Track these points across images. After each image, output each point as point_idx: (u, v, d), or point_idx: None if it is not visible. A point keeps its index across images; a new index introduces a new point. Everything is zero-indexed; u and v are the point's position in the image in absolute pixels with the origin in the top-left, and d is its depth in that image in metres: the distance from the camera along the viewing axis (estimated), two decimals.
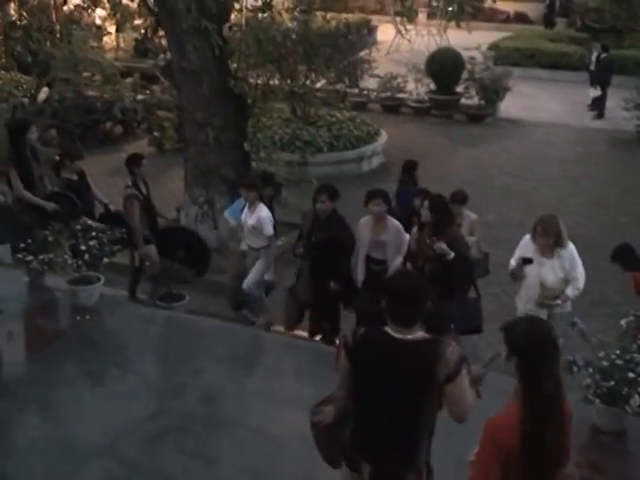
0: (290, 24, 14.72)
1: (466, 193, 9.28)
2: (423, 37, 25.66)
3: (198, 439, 6.35)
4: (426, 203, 7.73)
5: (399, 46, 24.91)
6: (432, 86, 19.81)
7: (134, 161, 8.93)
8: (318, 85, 15.59)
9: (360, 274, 8.34)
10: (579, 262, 7.56)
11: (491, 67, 20.34)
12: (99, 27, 22.23)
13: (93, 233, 7.95)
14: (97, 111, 17.17)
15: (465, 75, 19.42)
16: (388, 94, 19.74)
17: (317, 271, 8.46)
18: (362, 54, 16.35)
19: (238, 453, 6.21)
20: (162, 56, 18.68)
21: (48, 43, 19.02)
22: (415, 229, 8.05)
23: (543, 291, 7.49)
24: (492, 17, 30.17)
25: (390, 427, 4.20)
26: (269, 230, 8.83)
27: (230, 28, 11.38)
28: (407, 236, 8.24)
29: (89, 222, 8.12)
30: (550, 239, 7.38)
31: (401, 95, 19.88)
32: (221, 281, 9.95)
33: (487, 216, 12.32)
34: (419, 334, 4.20)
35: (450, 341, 4.30)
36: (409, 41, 24.49)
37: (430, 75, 19.58)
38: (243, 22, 11.82)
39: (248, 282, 9.09)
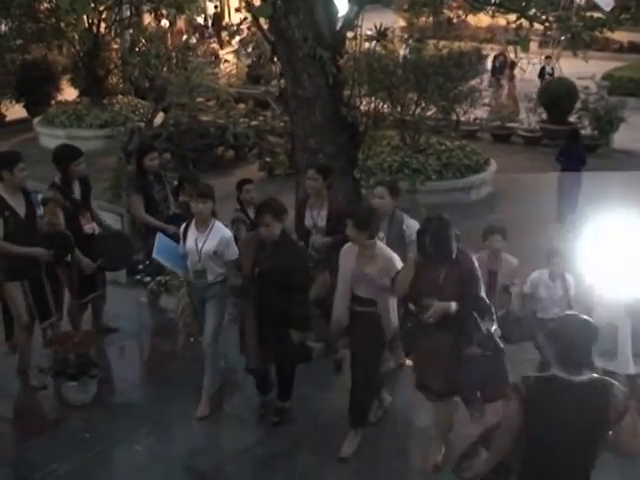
0: (403, 52, 14.83)
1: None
2: (535, 65, 25.36)
3: (307, 466, 6.38)
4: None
5: None
6: (544, 115, 19.55)
7: (237, 186, 9.17)
8: (428, 113, 15.60)
9: (339, 314, 6.59)
10: None
11: (605, 97, 19.95)
12: (217, 57, 22.78)
13: None
14: (210, 136, 17.54)
15: (578, 105, 19.10)
16: (498, 123, 19.58)
17: (264, 313, 6.66)
18: (473, 82, 16.29)
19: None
20: (274, 83, 19.02)
21: (165, 69, 19.51)
22: (411, 258, 6.22)
23: None
24: (605, 46, 29.60)
25: (562, 471, 4.26)
26: (235, 253, 7.07)
27: (341, 56, 11.50)
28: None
29: None
30: None
31: (512, 124, 19.69)
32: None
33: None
34: (587, 375, 4.22)
35: (612, 380, 4.30)
36: (522, 69, 24.23)
37: (542, 104, 19.34)
38: (357, 51, 11.92)
39: (211, 335, 7.14)
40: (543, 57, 23.01)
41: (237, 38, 23.97)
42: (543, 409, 4.20)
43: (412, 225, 7.03)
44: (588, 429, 4.18)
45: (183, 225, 7.26)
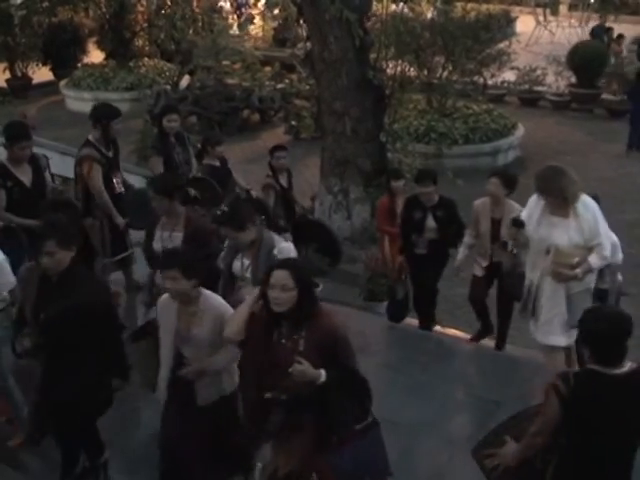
0: (430, 15, 14.69)
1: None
2: (564, 29, 25.06)
3: None
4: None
5: (539, 38, 24.36)
6: (573, 79, 19.33)
7: (270, 152, 9.19)
8: (455, 76, 15.48)
9: (162, 381, 5.38)
10: (602, 224, 6.14)
11: (635, 61, 19.68)
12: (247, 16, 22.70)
13: None
14: (236, 99, 17.51)
15: (608, 69, 18.86)
16: (526, 87, 19.36)
17: (51, 373, 5.23)
18: (501, 46, 16.13)
19: None
20: (300, 46, 18.92)
21: (191, 31, 19.47)
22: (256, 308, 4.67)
23: (556, 257, 6.05)
24: (636, 10, 29.12)
25: (606, 466, 4.16)
26: (9, 282, 5.77)
27: (368, 19, 11.43)
28: None
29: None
30: (552, 196, 6.04)
31: (540, 88, 19.46)
32: (353, 270, 10.00)
33: (627, 215, 11.96)
34: (628, 365, 4.11)
35: None
36: (551, 32, 23.95)
37: (571, 68, 19.11)
38: (384, 13, 11.85)
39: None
40: None
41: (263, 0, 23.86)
42: (586, 406, 4.08)
43: (286, 250, 5.95)
44: (633, 422, 4.10)
45: None
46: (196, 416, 5.26)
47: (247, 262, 5.90)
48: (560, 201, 6.03)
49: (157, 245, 6.53)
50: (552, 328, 6.28)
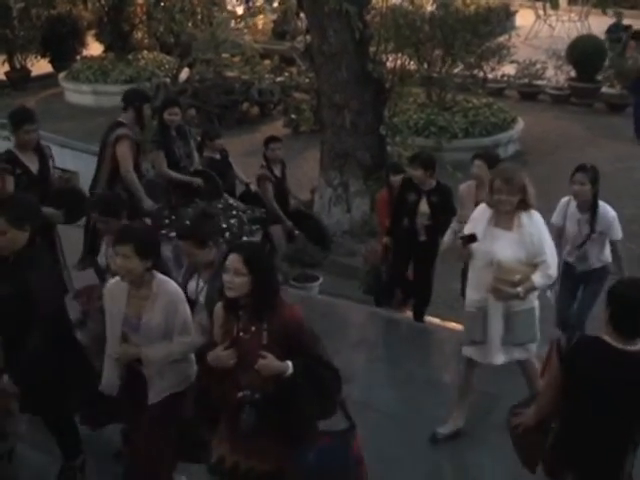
0: (430, 8, 14.68)
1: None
2: (564, 23, 25.03)
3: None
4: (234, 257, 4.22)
5: (538, 32, 24.34)
6: (572, 73, 19.31)
7: (264, 143, 9.22)
8: (455, 70, 15.47)
9: (109, 375, 5.10)
10: (548, 240, 5.77)
11: (635, 55, 19.64)
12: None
13: (233, 212, 8.14)
14: (235, 92, 17.49)
15: (607, 63, 18.83)
16: (526, 81, 19.34)
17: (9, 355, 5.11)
18: (501, 39, 16.11)
19: (367, 435, 6.25)
20: (300, 39, 18.89)
21: (190, 24, 19.41)
22: (219, 307, 4.44)
23: (497, 272, 5.59)
24: (636, 4, 29.07)
25: (602, 438, 4.12)
26: None
27: (368, 12, 11.42)
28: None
29: (230, 200, 8.32)
30: (514, 196, 5.57)
31: (539, 82, 19.44)
32: (353, 264, 10.02)
33: (626, 210, 11.92)
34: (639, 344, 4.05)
35: None
36: (551, 26, 23.90)
37: (571, 62, 19.08)
38: (383, 6, 11.83)
39: None
40: None
41: None
42: (582, 372, 4.06)
43: None
44: (633, 399, 4.04)
45: None
46: (148, 412, 4.97)
47: (202, 284, 5.48)
48: (515, 203, 5.63)
49: (102, 260, 6.20)
50: (493, 347, 5.87)
